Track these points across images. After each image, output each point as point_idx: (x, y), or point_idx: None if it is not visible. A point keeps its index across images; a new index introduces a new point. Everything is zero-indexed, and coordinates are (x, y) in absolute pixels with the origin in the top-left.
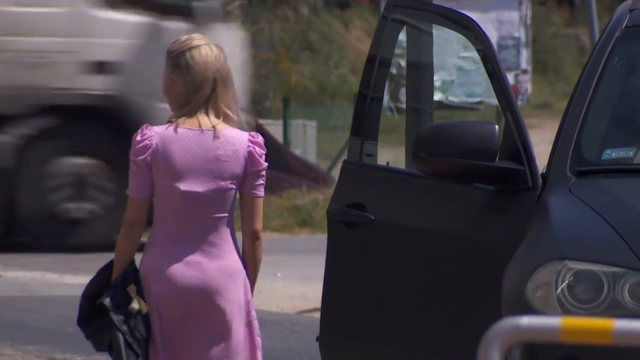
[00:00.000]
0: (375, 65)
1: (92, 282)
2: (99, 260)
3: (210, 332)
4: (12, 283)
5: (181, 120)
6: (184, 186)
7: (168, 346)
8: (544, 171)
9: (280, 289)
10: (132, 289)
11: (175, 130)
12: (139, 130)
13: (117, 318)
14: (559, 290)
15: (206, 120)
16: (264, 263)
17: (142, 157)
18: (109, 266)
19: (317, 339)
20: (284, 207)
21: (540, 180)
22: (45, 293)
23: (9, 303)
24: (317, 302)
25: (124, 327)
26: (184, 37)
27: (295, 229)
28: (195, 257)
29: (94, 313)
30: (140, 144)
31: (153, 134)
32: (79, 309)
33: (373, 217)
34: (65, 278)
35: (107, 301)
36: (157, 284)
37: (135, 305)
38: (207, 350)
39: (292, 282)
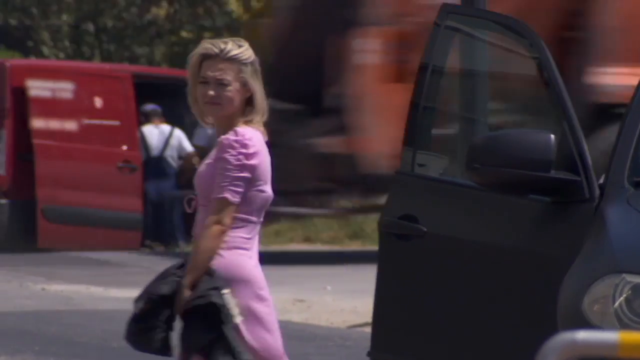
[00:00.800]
0: (428, 74)
1: (162, 281)
2: (145, 274)
3: None
4: (56, 297)
5: (246, 124)
6: (269, 190)
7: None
8: (602, 182)
9: (330, 303)
10: (230, 295)
11: (260, 134)
12: (243, 134)
13: (230, 325)
14: (616, 304)
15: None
16: (314, 275)
17: (255, 161)
18: (179, 267)
19: (368, 354)
20: (334, 219)
21: (598, 191)
22: (90, 307)
23: (53, 317)
24: (368, 316)
25: (232, 334)
26: (239, 42)
27: (345, 242)
28: (257, 260)
29: (155, 312)
30: (253, 148)
31: (255, 138)
32: (146, 303)
33: (425, 229)
34: (111, 292)
35: (226, 295)
36: (251, 288)
37: (237, 312)
38: None
39: (343, 296)
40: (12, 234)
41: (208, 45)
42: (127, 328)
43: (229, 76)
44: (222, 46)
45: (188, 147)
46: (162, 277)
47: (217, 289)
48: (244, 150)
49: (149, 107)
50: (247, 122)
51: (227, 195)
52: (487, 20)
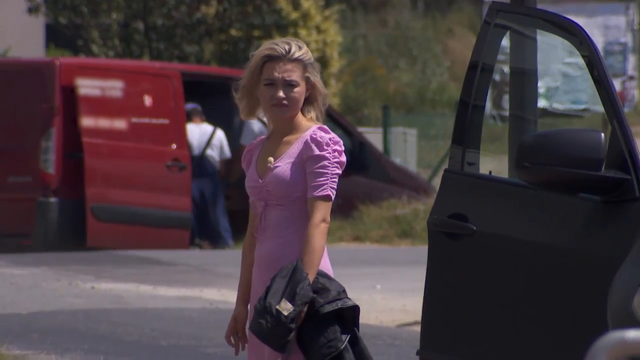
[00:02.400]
0: (478, 72)
1: (303, 285)
2: (194, 273)
3: None
4: (105, 295)
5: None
6: None
7: None
8: None
9: (379, 302)
10: None
11: None
12: (332, 134)
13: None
14: None
15: None
16: (363, 274)
17: (344, 159)
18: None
19: (418, 353)
20: (383, 217)
21: None
22: (139, 305)
23: (102, 316)
24: (417, 315)
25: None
26: (298, 42)
27: (395, 240)
28: None
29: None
30: (342, 145)
31: None
32: (302, 305)
33: (475, 228)
34: (160, 290)
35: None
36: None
37: None
38: None
39: (392, 295)
40: (61, 233)
41: (272, 46)
42: (276, 324)
43: (296, 77)
44: (287, 47)
45: (227, 151)
46: (294, 282)
47: (344, 290)
48: (337, 148)
49: (189, 106)
50: (311, 120)
51: (330, 192)
52: (537, 18)
